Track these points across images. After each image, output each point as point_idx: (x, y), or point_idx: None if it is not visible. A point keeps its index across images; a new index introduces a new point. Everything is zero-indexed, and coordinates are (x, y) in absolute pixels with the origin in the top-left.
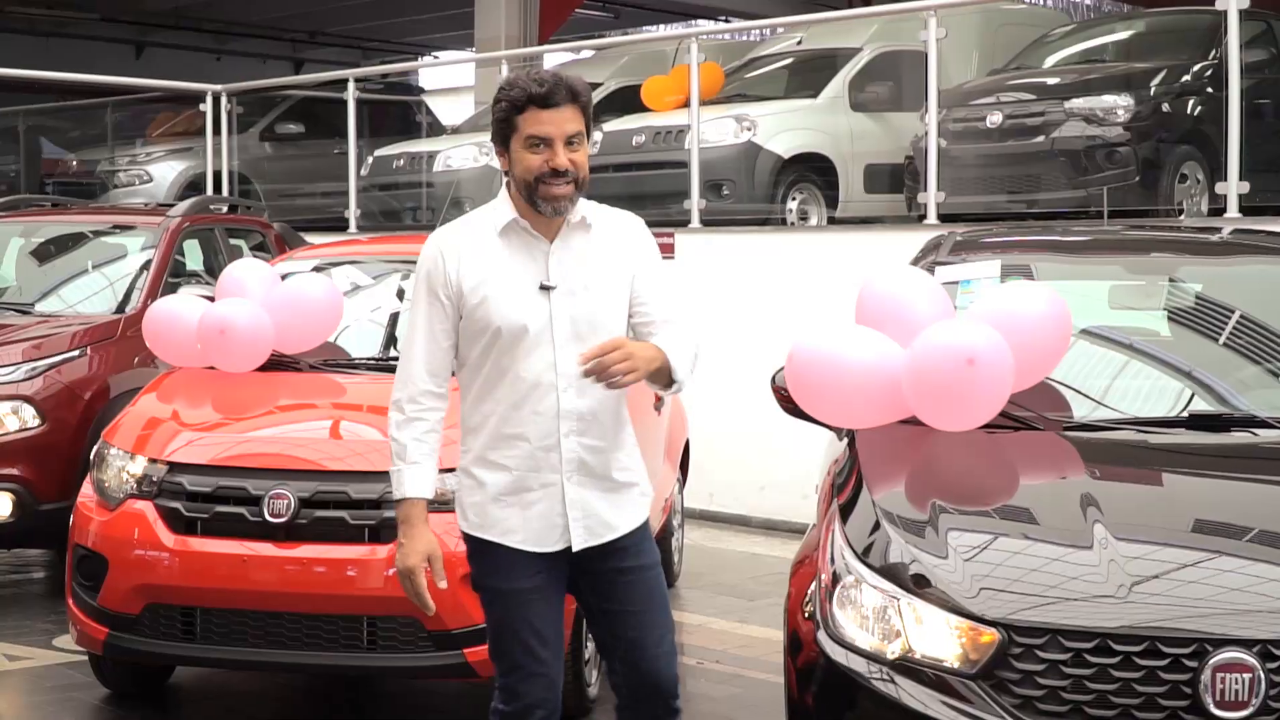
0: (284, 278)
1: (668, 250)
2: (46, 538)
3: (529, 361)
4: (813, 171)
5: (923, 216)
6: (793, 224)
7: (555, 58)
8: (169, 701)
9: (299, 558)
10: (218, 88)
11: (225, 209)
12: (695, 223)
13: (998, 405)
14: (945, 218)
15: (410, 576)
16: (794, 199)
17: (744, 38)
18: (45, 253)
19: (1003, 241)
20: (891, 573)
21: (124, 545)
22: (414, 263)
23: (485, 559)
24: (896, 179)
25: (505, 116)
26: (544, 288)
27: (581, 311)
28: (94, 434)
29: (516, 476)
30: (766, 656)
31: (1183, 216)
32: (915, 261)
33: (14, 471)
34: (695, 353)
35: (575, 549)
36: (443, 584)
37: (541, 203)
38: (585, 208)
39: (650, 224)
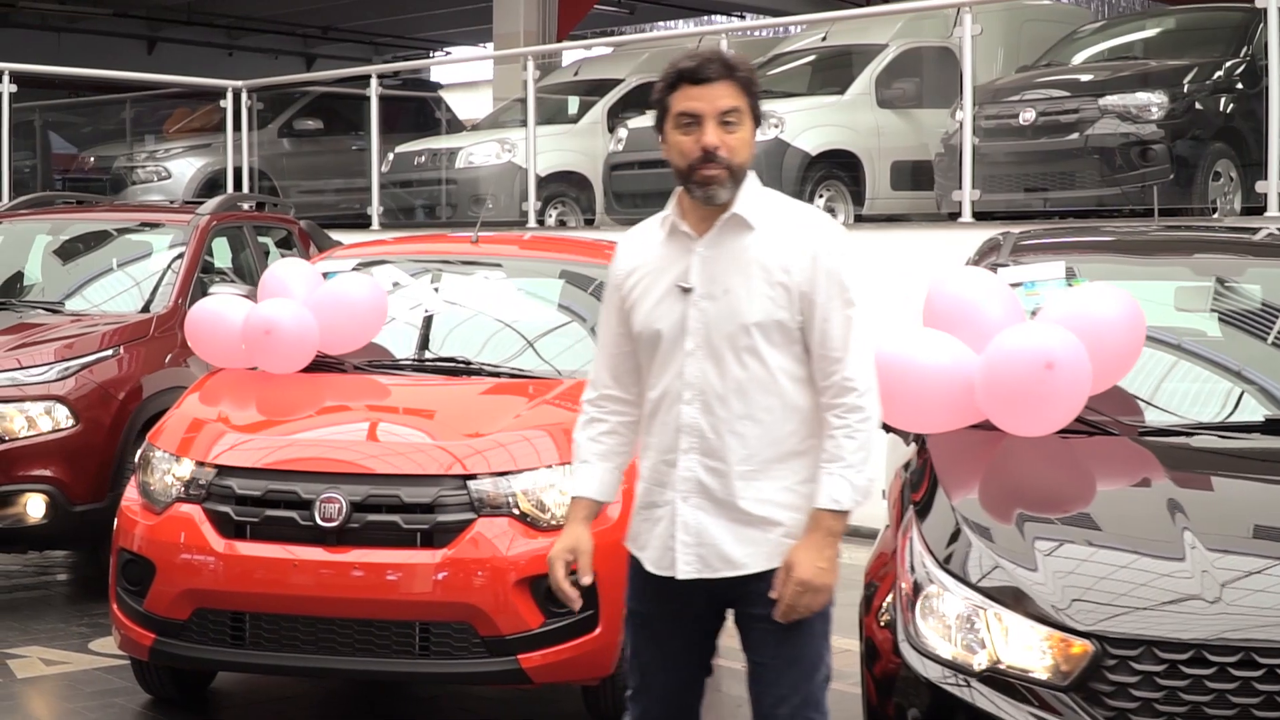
0: (324, 277)
1: None
2: (79, 539)
3: (661, 368)
4: (839, 168)
5: (954, 214)
6: None
7: (574, 54)
8: (211, 707)
9: (350, 562)
10: (239, 84)
11: (252, 206)
12: None
13: (1075, 410)
14: (978, 215)
15: (550, 565)
16: (821, 196)
17: (764, 34)
18: (72, 251)
19: (1064, 242)
20: (976, 582)
21: (171, 549)
22: (455, 263)
23: (630, 572)
24: (922, 176)
25: (659, 98)
26: (682, 289)
27: (718, 319)
28: (128, 434)
29: (646, 489)
30: (836, 665)
31: (1216, 215)
32: (974, 263)
33: (47, 473)
34: (865, 443)
35: (680, 577)
36: (586, 579)
37: (694, 188)
38: (752, 203)
39: None
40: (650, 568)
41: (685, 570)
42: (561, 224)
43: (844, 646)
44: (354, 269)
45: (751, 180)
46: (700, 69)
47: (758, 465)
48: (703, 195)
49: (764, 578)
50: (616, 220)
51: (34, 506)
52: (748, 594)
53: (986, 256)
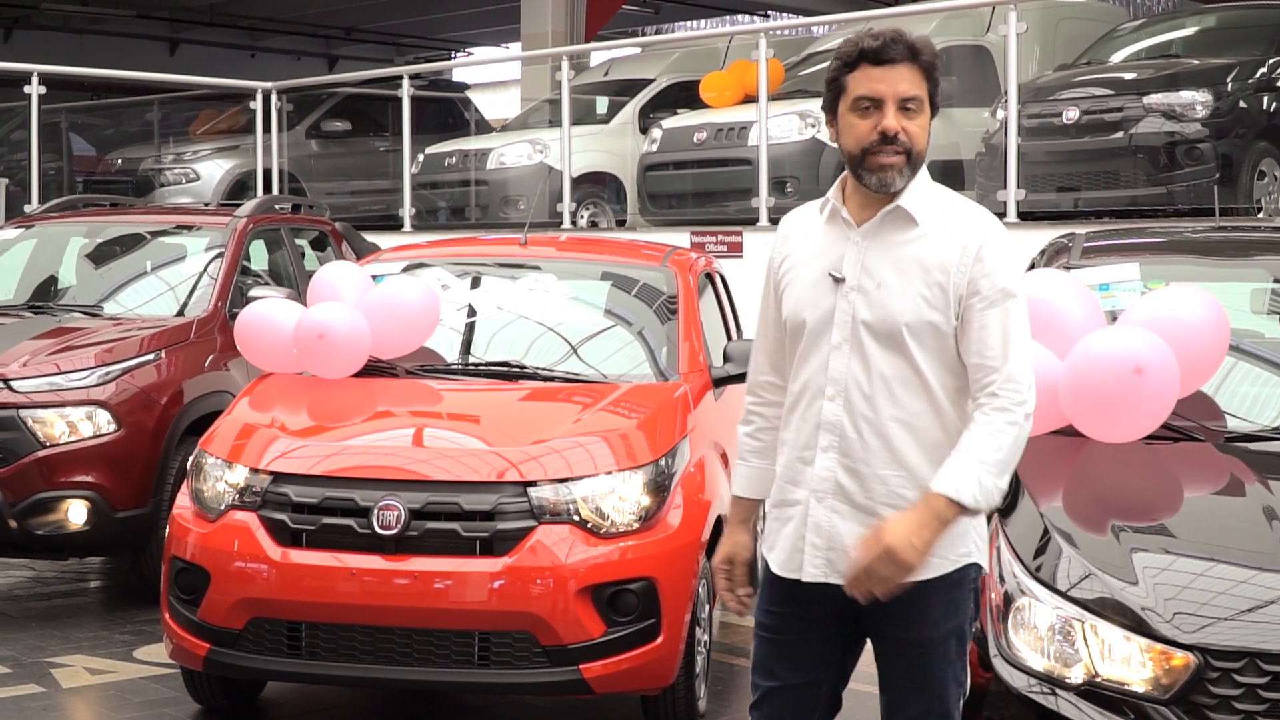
0: (374, 280)
1: (736, 249)
2: (120, 546)
3: (808, 359)
4: None
5: (996, 214)
6: None
7: (601, 54)
8: (262, 717)
9: (409, 571)
10: (268, 85)
11: (288, 208)
12: (764, 221)
13: (1162, 416)
14: (1022, 215)
15: (714, 576)
16: None
17: (795, 34)
18: (107, 254)
19: (1133, 243)
20: (1072, 593)
21: (226, 558)
22: (502, 264)
23: (763, 578)
24: (958, 175)
25: (835, 76)
26: (834, 279)
27: (871, 313)
28: (170, 440)
29: (781, 486)
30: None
31: (1261, 214)
32: (1044, 264)
33: (89, 479)
34: (1006, 445)
35: (805, 579)
36: (742, 591)
37: (866, 174)
38: (919, 197)
39: (718, 222)
40: (777, 569)
41: (812, 573)
42: (593, 225)
43: None
44: (403, 271)
45: (924, 173)
46: (884, 49)
47: (902, 471)
48: (876, 182)
49: (900, 600)
50: (651, 221)
51: (75, 513)
52: (878, 607)
53: (1055, 258)
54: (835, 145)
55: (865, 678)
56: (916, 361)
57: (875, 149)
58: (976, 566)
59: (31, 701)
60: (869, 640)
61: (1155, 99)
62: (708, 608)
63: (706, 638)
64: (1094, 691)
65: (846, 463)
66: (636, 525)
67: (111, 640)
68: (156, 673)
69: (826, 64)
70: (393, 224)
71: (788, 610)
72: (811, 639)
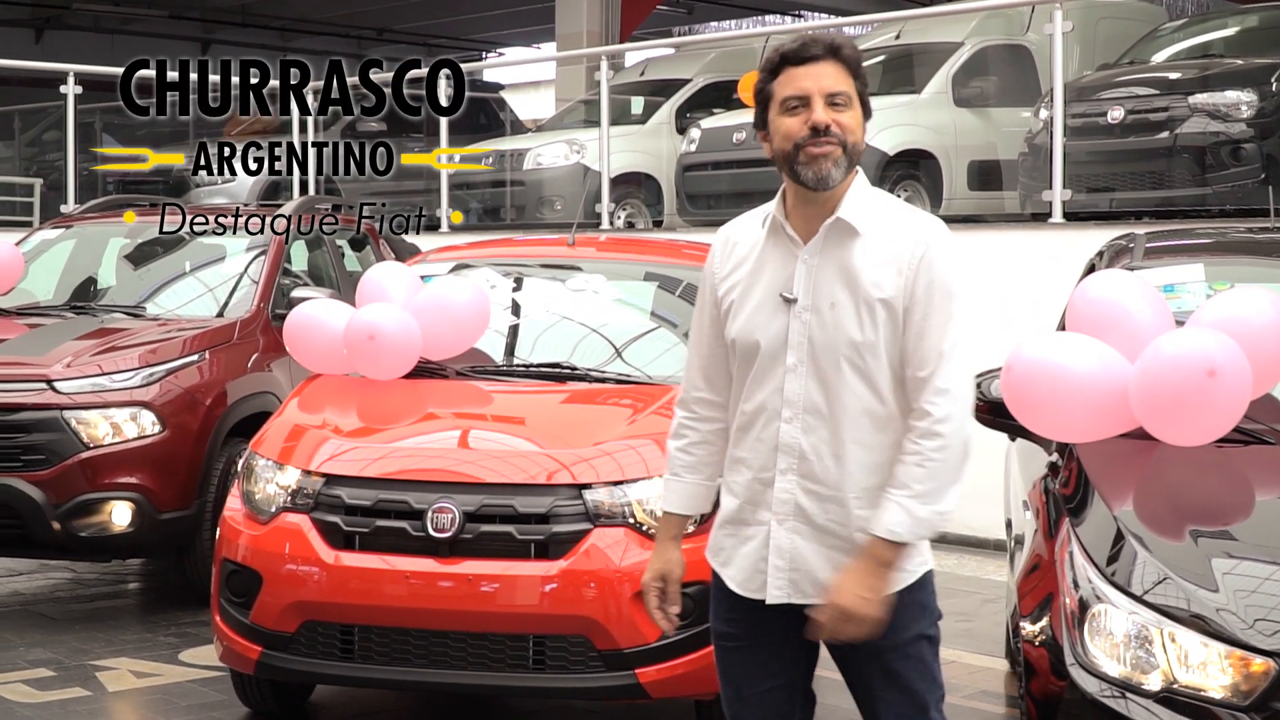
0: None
1: None
2: (164, 547)
3: (759, 382)
4: (916, 168)
5: (1040, 215)
6: None
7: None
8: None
9: (463, 574)
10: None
11: (329, 209)
12: None
13: (1235, 418)
14: (1068, 216)
15: (643, 594)
16: (899, 196)
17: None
18: (148, 254)
19: (1195, 244)
20: (1148, 598)
21: (279, 560)
22: (550, 265)
23: (713, 588)
24: (998, 175)
25: (762, 87)
26: (786, 300)
27: (824, 334)
28: (214, 441)
29: (739, 506)
30: (978, 683)
31: None
32: (1105, 265)
33: (134, 480)
34: (938, 473)
35: (770, 601)
36: (675, 609)
37: (802, 169)
38: (859, 206)
39: None
40: (735, 588)
41: (776, 595)
42: (629, 225)
43: (985, 665)
44: (450, 272)
45: (861, 178)
46: (803, 49)
47: (860, 492)
48: (813, 176)
49: None
50: (689, 222)
51: (120, 514)
52: None
53: (1117, 259)
54: (879, 148)
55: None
56: (874, 380)
57: (807, 141)
58: (931, 571)
59: (78, 705)
60: (837, 661)
61: (1200, 99)
62: None
63: None
64: (1172, 698)
65: (806, 485)
66: (691, 529)
67: (156, 643)
68: (203, 676)
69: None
70: (430, 225)
71: (747, 618)
72: (775, 642)
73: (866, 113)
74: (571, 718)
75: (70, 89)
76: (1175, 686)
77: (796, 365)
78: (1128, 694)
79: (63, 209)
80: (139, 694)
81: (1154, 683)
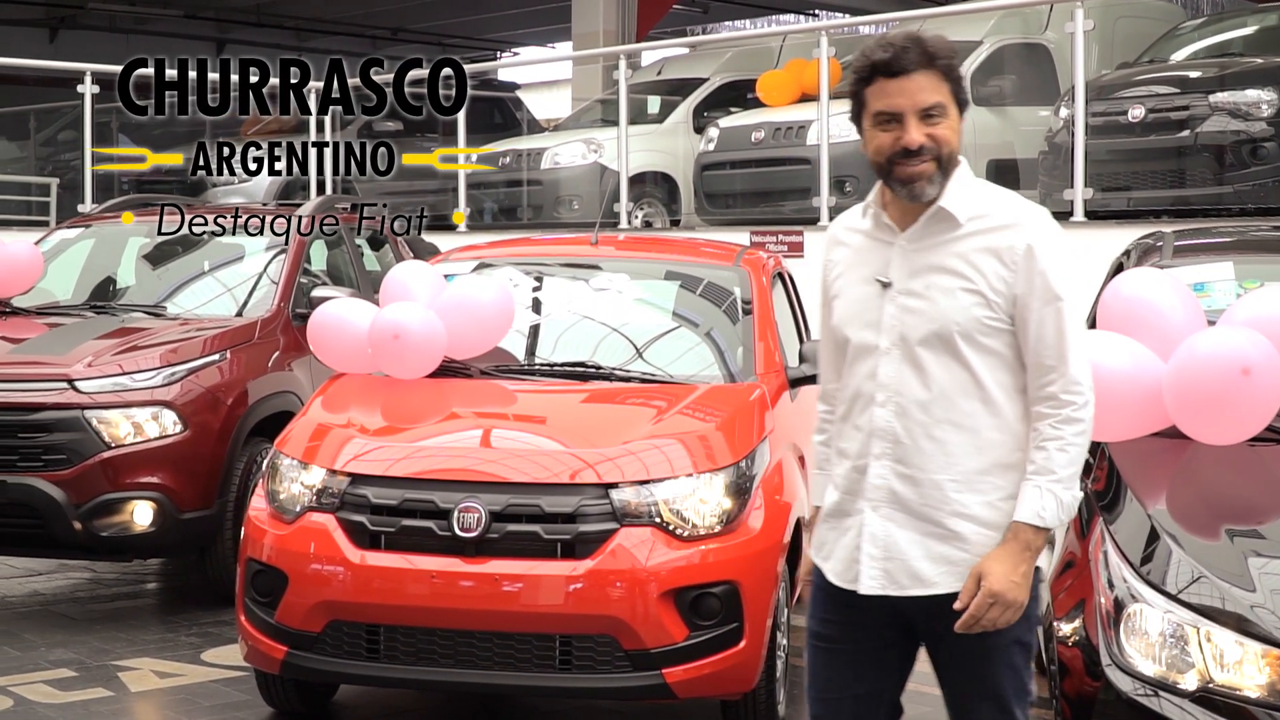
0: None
1: (797, 249)
2: (186, 547)
3: (856, 366)
4: None
5: (1061, 213)
6: None
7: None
8: None
9: (489, 573)
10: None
11: (349, 208)
12: (824, 220)
13: (1269, 416)
14: (1089, 215)
15: (800, 588)
16: None
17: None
18: (168, 253)
19: (1224, 242)
20: (1183, 597)
21: (304, 560)
22: (574, 264)
23: (813, 586)
24: (1013, 174)
25: (855, 92)
26: (881, 284)
27: (918, 317)
28: (236, 440)
29: (839, 498)
30: None
31: None
32: (1133, 264)
33: (155, 480)
34: (1078, 457)
35: (863, 592)
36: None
37: (896, 185)
38: (959, 197)
39: (775, 222)
40: (833, 578)
41: (869, 585)
42: (647, 225)
43: None
44: (473, 271)
45: (962, 170)
46: (896, 60)
47: (958, 475)
48: (906, 194)
49: (953, 602)
50: (707, 221)
51: (141, 514)
52: (938, 616)
53: (1146, 257)
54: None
55: (924, 678)
56: (969, 363)
57: (900, 160)
58: (1038, 569)
59: (100, 705)
60: (925, 648)
61: (1221, 97)
62: (786, 611)
63: (785, 641)
64: (1208, 698)
65: (901, 469)
66: (718, 528)
67: (178, 643)
68: (226, 676)
69: None
70: (446, 224)
71: (844, 619)
72: (871, 647)
73: (963, 108)
74: (596, 718)
75: (87, 88)
76: (1211, 686)
77: (890, 349)
78: (1163, 694)
79: (80, 208)
80: (162, 694)
81: (1190, 682)
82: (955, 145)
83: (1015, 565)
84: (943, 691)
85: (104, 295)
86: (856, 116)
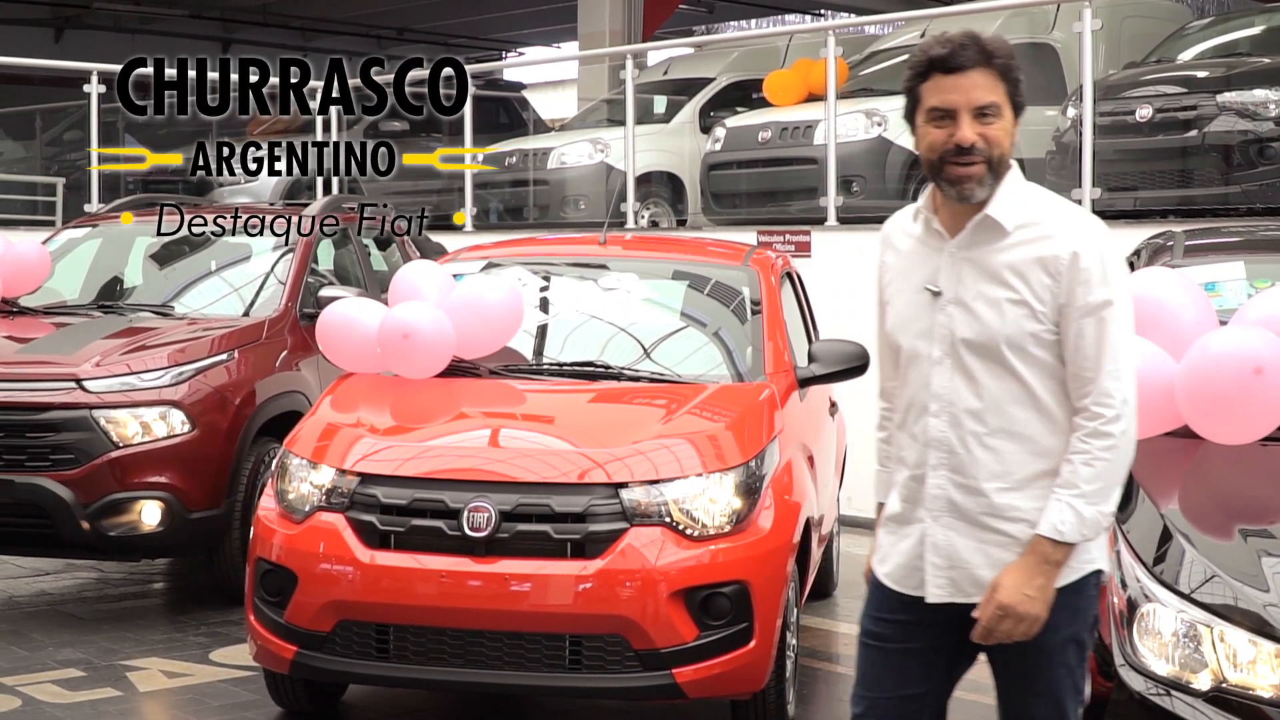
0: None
1: (804, 249)
2: (194, 547)
3: (907, 376)
4: None
5: None
6: None
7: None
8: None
9: (499, 573)
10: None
11: (355, 207)
12: (832, 220)
13: None
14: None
15: (866, 580)
16: (924, 195)
17: (850, 32)
18: (175, 253)
19: (1235, 241)
20: (1196, 596)
21: (314, 560)
22: (582, 264)
23: (870, 585)
24: (1023, 174)
25: (910, 88)
26: (931, 293)
27: (969, 327)
28: (243, 440)
29: (900, 505)
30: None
31: None
32: (1144, 263)
33: (163, 479)
34: (1106, 472)
35: (929, 600)
36: None
37: (945, 185)
38: (1008, 204)
39: (782, 222)
40: (892, 584)
41: (935, 594)
42: (654, 224)
43: None
44: (482, 270)
45: (1013, 175)
46: (953, 56)
47: (1014, 483)
48: (955, 194)
49: None
50: (714, 221)
51: (149, 514)
52: None
53: (1156, 257)
54: (906, 147)
55: (969, 685)
56: (1019, 373)
57: (952, 159)
58: (1099, 572)
59: (109, 705)
60: (983, 650)
61: (1229, 97)
62: (796, 611)
63: (795, 641)
64: (1221, 698)
65: (957, 479)
66: (728, 528)
67: (186, 642)
68: (235, 675)
69: (890, 63)
70: (444, 224)
71: (899, 618)
72: (922, 649)
73: (1019, 111)
74: (605, 717)
75: (94, 88)
76: (1225, 686)
77: (942, 359)
78: (1176, 693)
79: (86, 208)
80: (170, 694)
81: (1203, 682)
82: (1008, 148)
83: (1030, 578)
84: (996, 688)
85: (111, 295)
86: (910, 113)
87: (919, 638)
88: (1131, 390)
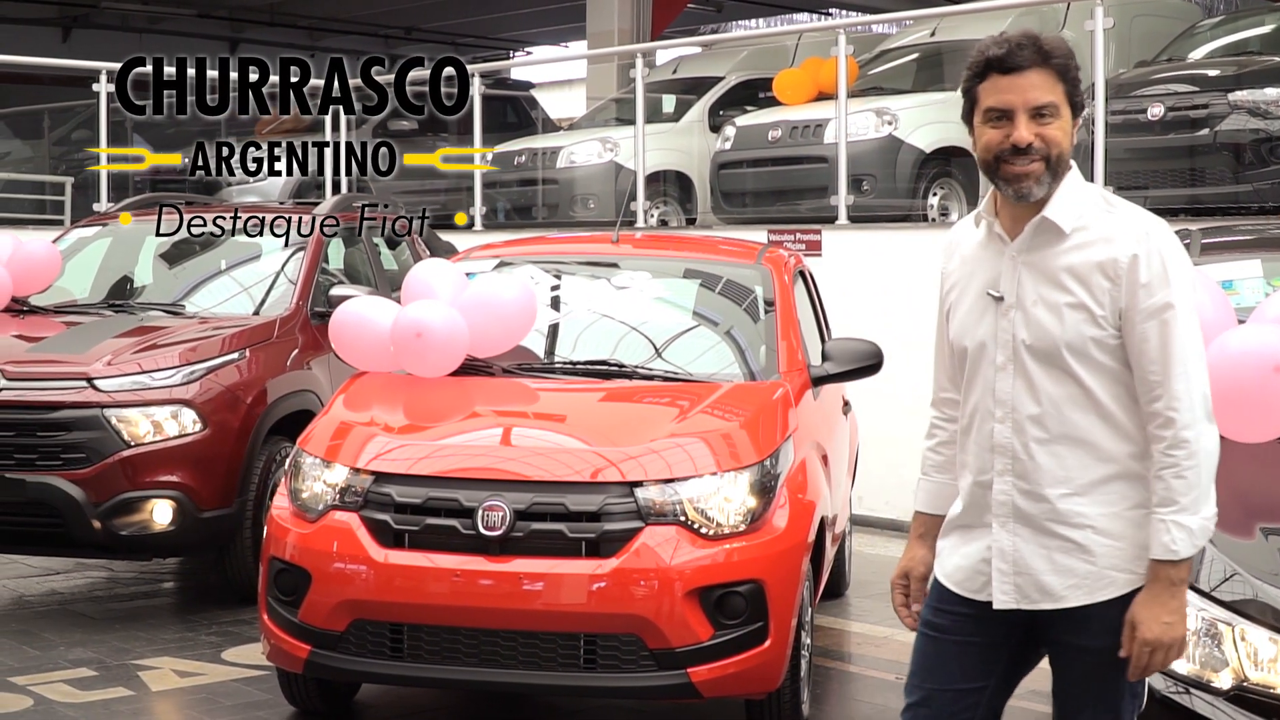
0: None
1: (815, 248)
2: (205, 546)
3: (972, 382)
4: (953, 166)
5: None
6: (934, 220)
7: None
8: (358, 719)
9: (514, 572)
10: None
11: (365, 206)
12: (842, 219)
13: None
14: None
15: (891, 591)
16: (935, 195)
17: (858, 31)
18: (186, 252)
19: (1251, 240)
20: (1218, 595)
21: (328, 559)
22: (595, 262)
23: (934, 577)
24: None
25: (968, 88)
26: (993, 298)
27: (1030, 333)
28: (255, 439)
29: (964, 510)
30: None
31: None
32: None
33: (174, 478)
34: (1197, 479)
35: (996, 607)
36: (918, 606)
37: (1002, 184)
38: (1066, 206)
39: (791, 221)
40: (953, 587)
41: (1002, 600)
42: (663, 223)
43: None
44: (494, 269)
45: (1072, 176)
46: (1010, 56)
47: (1077, 488)
48: (1013, 193)
49: (1082, 611)
50: (724, 219)
51: (161, 513)
52: (1062, 624)
53: None
54: (917, 145)
55: (1023, 694)
56: (1081, 378)
57: (1008, 158)
58: None
59: (121, 705)
60: (1045, 651)
61: (1240, 95)
62: (810, 610)
63: (810, 640)
64: (1242, 696)
65: (1022, 485)
66: (743, 527)
67: (198, 642)
68: (247, 675)
69: (900, 61)
70: (446, 224)
71: (960, 611)
72: (981, 643)
73: (1078, 111)
74: (618, 717)
75: (103, 87)
76: (1246, 684)
77: (1005, 364)
78: (1197, 692)
79: (95, 207)
80: (182, 693)
81: (1224, 680)
82: (1066, 148)
83: (1163, 605)
84: (1054, 692)
85: (122, 294)
86: (968, 114)
87: (979, 632)
88: (1203, 389)
